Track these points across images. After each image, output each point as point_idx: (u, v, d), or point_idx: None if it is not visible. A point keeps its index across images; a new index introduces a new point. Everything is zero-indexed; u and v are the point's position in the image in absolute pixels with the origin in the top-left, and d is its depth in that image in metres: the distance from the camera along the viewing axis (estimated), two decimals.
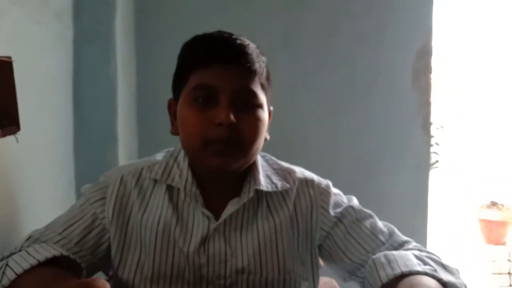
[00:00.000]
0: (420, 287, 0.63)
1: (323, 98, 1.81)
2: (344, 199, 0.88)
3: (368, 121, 1.84)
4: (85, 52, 1.40)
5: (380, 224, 0.86)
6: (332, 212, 0.85)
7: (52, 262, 0.69)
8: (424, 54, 1.84)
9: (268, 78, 0.82)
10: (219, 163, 0.75)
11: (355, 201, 0.89)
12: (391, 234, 0.85)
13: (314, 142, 1.78)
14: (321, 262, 0.88)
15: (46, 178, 1.19)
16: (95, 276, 0.88)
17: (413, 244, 0.84)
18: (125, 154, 1.48)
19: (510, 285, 3.21)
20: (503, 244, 3.95)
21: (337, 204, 0.86)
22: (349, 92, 1.82)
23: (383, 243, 0.82)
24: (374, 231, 0.84)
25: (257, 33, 0.83)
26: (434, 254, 0.79)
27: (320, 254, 0.87)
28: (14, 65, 0.92)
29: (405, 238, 0.85)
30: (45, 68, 1.19)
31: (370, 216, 0.86)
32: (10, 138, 0.95)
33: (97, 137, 1.41)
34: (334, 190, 0.89)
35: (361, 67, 1.82)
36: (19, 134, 0.96)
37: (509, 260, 3.43)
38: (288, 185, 0.85)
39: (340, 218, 0.84)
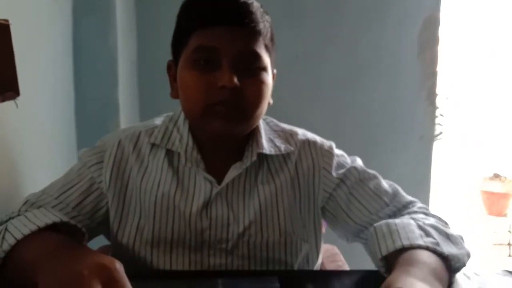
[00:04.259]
0: (418, 264, 0.62)
1: (327, 69, 1.79)
2: (347, 160, 0.87)
3: (372, 92, 1.82)
4: (85, 20, 1.37)
5: (385, 184, 0.85)
6: (334, 174, 0.83)
7: (51, 227, 0.68)
8: (431, 24, 1.81)
9: (272, 39, 0.79)
10: (221, 127, 0.73)
11: (358, 162, 0.87)
12: (395, 194, 0.83)
13: (317, 113, 1.76)
14: (323, 229, 0.88)
15: (47, 146, 1.18)
16: (96, 244, 0.89)
17: (418, 205, 0.82)
18: (126, 122, 1.47)
19: (509, 255, 3.24)
20: (505, 215, 3.98)
21: (340, 165, 0.85)
22: (353, 62, 1.80)
23: (387, 204, 0.82)
24: (377, 192, 0.83)
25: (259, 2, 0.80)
26: (439, 219, 0.78)
27: (323, 216, 0.87)
28: (12, 32, 0.90)
29: (409, 198, 0.84)
30: (44, 36, 1.17)
31: (374, 177, 0.85)
32: (9, 105, 0.94)
33: (98, 106, 1.40)
34: (337, 151, 0.87)
35: (366, 36, 1.78)
36: (19, 100, 0.95)
37: (509, 232, 3.45)
38: (291, 148, 0.84)
39: (342, 179, 0.83)
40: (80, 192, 0.79)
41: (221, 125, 0.73)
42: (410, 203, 0.83)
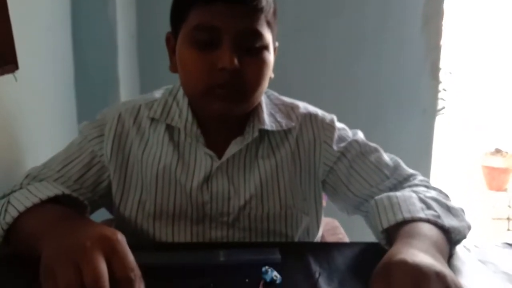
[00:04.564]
0: (419, 237, 0.62)
1: (330, 41, 1.76)
2: (349, 133, 0.86)
3: (375, 64, 1.80)
4: None
5: (386, 157, 0.85)
6: (335, 147, 0.83)
7: (53, 200, 0.68)
8: None
9: (274, 13, 0.77)
10: (222, 108, 0.73)
11: (360, 135, 0.87)
12: (396, 167, 0.83)
13: (320, 85, 1.75)
14: (323, 202, 0.88)
15: (47, 120, 1.18)
16: (99, 217, 0.89)
17: (419, 178, 0.82)
18: (126, 95, 1.47)
19: (508, 230, 3.27)
20: (505, 190, 3.99)
21: (341, 139, 0.84)
22: (357, 34, 1.77)
23: (387, 177, 0.82)
24: (378, 165, 0.82)
25: None
26: (440, 192, 0.78)
27: (324, 189, 0.87)
28: (9, 5, 0.89)
29: (410, 171, 0.84)
30: (42, 9, 1.15)
31: (375, 150, 0.85)
32: (8, 78, 0.93)
33: (97, 79, 1.39)
34: (339, 124, 0.87)
35: (370, 9, 1.76)
36: (18, 74, 0.94)
37: (509, 206, 3.47)
38: (293, 124, 0.83)
39: (343, 153, 0.83)
40: (81, 165, 0.79)
41: (222, 106, 0.73)
42: (411, 176, 0.83)
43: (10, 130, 0.97)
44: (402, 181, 0.82)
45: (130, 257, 0.50)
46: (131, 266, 0.49)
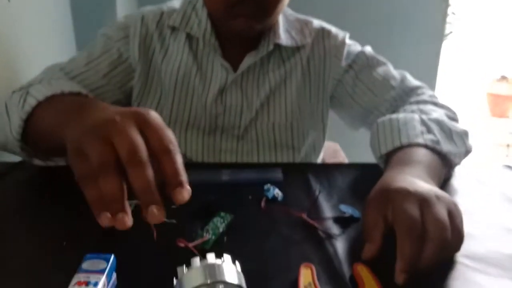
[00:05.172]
0: (413, 163, 0.61)
1: None
2: (358, 47, 0.86)
3: None
4: None
5: (394, 71, 0.85)
6: (344, 62, 0.84)
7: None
8: None
9: None
10: (242, 26, 0.73)
11: (368, 49, 0.87)
12: (403, 80, 0.83)
13: (328, 4, 1.69)
14: None
15: (44, 39, 1.15)
16: None
17: (428, 93, 0.82)
18: (123, 13, 1.42)
19: (507, 156, 3.31)
20: (507, 117, 3.99)
21: (350, 53, 0.85)
22: None
23: (393, 88, 0.82)
24: (385, 76, 0.83)
25: None
26: (448, 110, 0.77)
27: (331, 104, 0.88)
28: None
29: (417, 83, 0.84)
30: None
31: (383, 64, 0.85)
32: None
33: None
34: (350, 41, 0.87)
35: None
36: None
37: (510, 133, 3.49)
38: (308, 41, 0.83)
39: (351, 65, 0.84)
40: (109, 61, 0.79)
41: (242, 24, 0.73)
42: (418, 88, 0.83)
43: (6, 51, 0.95)
44: (408, 92, 0.82)
45: (168, 130, 0.41)
46: (169, 138, 0.40)
